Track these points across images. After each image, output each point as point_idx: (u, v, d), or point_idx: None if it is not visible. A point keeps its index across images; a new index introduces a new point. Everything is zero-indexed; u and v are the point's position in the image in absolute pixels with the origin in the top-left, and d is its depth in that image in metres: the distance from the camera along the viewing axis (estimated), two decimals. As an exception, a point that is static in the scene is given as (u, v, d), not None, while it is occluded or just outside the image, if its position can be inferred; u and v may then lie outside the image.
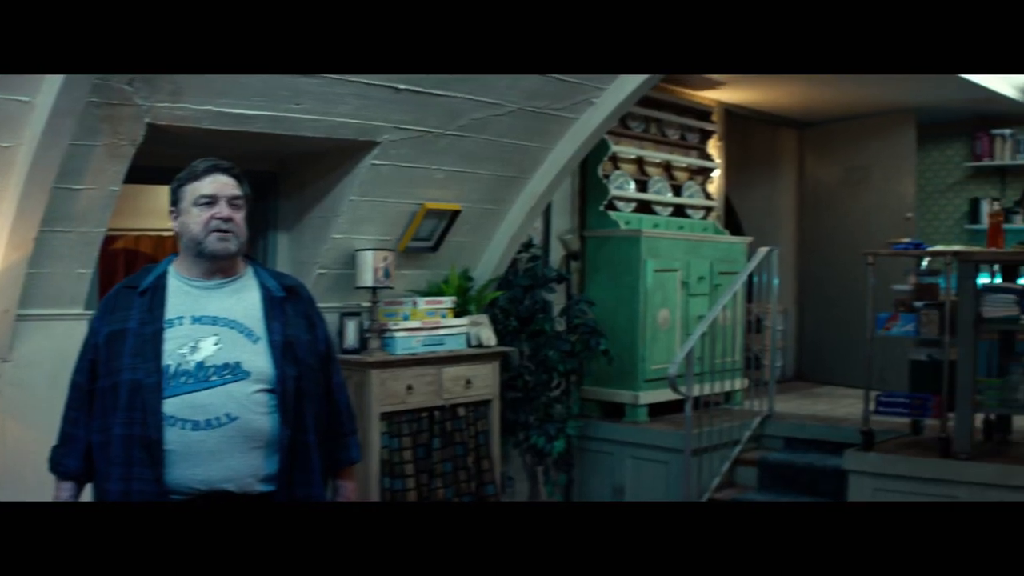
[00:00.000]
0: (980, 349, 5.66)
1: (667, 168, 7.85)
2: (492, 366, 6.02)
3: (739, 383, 7.42)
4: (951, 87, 7.74)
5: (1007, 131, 9.13)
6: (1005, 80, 7.94)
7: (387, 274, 5.50)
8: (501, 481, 6.17)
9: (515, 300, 6.45)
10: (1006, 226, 8.53)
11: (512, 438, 6.52)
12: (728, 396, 7.26)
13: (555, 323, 6.70)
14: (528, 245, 6.67)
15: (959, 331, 5.40)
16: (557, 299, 6.89)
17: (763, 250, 7.10)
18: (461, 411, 5.84)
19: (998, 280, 5.86)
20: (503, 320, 6.39)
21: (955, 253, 5.49)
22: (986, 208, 8.89)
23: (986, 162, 9.27)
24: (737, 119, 8.86)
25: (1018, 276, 5.99)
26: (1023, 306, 5.35)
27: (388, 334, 5.57)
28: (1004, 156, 9.19)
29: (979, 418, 5.82)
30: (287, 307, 2.94)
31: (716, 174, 8.31)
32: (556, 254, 7.14)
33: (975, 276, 5.47)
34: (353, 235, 5.56)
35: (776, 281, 7.23)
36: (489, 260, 6.35)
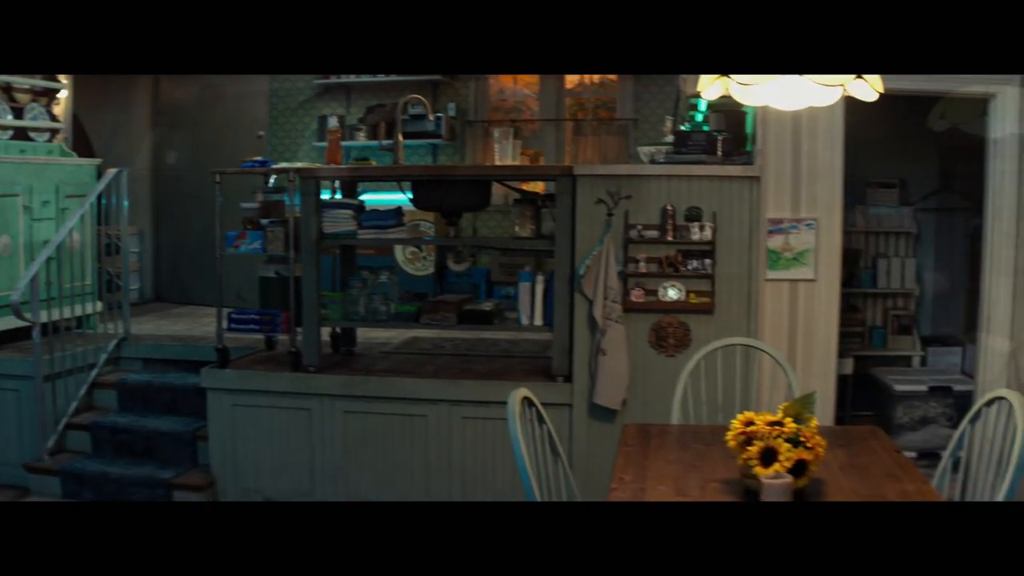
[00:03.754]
0: (324, 264, 5.94)
1: (7, 90, 7.29)
2: None
3: (93, 307, 7.21)
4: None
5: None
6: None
7: None
8: None
9: None
10: (350, 143, 9.05)
11: None
12: (81, 321, 7.02)
13: None
14: None
15: (303, 247, 5.62)
16: None
17: (112, 172, 6.91)
18: None
19: (339, 197, 6.12)
20: None
21: (297, 170, 5.68)
22: (331, 125, 9.25)
23: (333, 80, 9.55)
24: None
25: (357, 192, 6.31)
26: (360, 221, 5.69)
27: None
28: (349, 74, 9.49)
29: (327, 332, 6.15)
30: None
31: (63, 95, 7.88)
32: None
33: (317, 192, 5.68)
34: None
35: (127, 203, 7.07)
36: None
